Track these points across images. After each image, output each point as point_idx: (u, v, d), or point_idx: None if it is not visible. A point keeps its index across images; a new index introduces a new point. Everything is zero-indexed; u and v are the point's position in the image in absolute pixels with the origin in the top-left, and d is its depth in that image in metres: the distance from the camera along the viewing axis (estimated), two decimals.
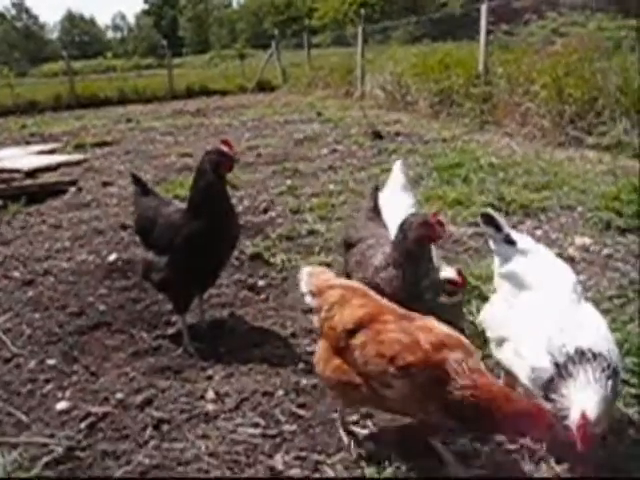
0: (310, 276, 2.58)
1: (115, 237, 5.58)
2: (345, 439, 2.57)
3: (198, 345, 3.46)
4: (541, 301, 2.41)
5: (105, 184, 7.84)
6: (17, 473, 2.44)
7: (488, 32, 11.66)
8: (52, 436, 2.70)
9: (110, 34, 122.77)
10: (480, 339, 2.94)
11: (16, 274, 4.77)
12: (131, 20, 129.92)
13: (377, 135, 10.01)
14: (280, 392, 2.98)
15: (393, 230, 3.09)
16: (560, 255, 3.93)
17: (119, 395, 3.01)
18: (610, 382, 2.10)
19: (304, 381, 3.06)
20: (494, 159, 7.57)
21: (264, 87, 24.34)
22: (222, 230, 3.32)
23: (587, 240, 4.77)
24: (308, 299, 2.53)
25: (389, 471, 2.35)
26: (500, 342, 2.54)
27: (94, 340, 3.65)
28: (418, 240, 2.84)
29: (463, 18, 18.19)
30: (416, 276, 2.85)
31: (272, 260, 4.75)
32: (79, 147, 11.02)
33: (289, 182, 7.27)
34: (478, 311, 3.30)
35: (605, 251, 4.57)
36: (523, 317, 2.43)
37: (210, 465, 2.47)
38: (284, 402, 2.90)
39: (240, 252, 4.84)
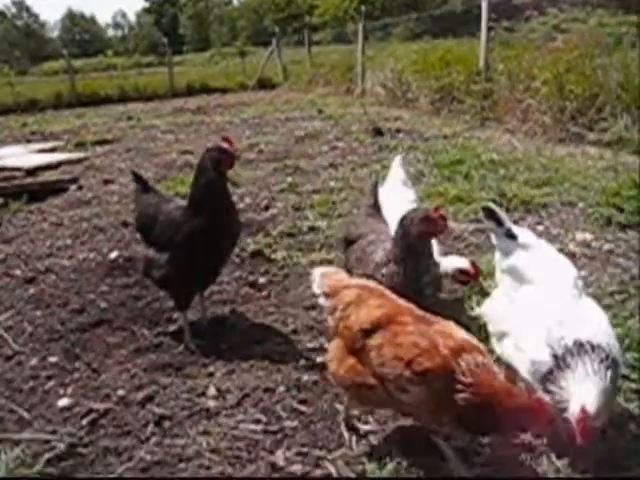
0: (323, 277, 2.55)
1: (116, 235, 5.59)
2: (346, 435, 2.58)
3: (199, 342, 3.47)
4: (542, 295, 2.41)
5: (106, 182, 7.84)
6: (19, 470, 2.45)
7: (489, 29, 11.64)
8: (54, 433, 2.71)
9: (111, 32, 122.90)
10: (481, 334, 2.94)
11: (17, 272, 4.78)
12: (132, 18, 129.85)
13: (378, 132, 10.00)
14: (281, 388, 2.98)
15: (393, 225, 3.08)
16: (561, 251, 3.91)
17: (121, 392, 3.01)
18: (609, 373, 2.10)
19: (305, 377, 3.07)
20: (495, 155, 7.57)
21: (265, 85, 24.33)
22: (223, 227, 3.32)
23: (588, 236, 4.77)
24: (321, 300, 2.50)
25: (390, 467, 2.35)
26: (501, 336, 2.54)
27: (95, 337, 3.66)
28: (420, 235, 2.83)
29: (464, 15, 18.21)
30: (417, 272, 2.85)
31: (273, 257, 4.76)
32: (80, 145, 11.02)
33: (290, 179, 7.27)
34: (479, 305, 3.30)
35: (606, 247, 4.57)
36: (524, 311, 2.43)
37: (211, 461, 2.48)
38: (285, 398, 2.91)
39: (241, 249, 4.84)
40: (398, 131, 10.26)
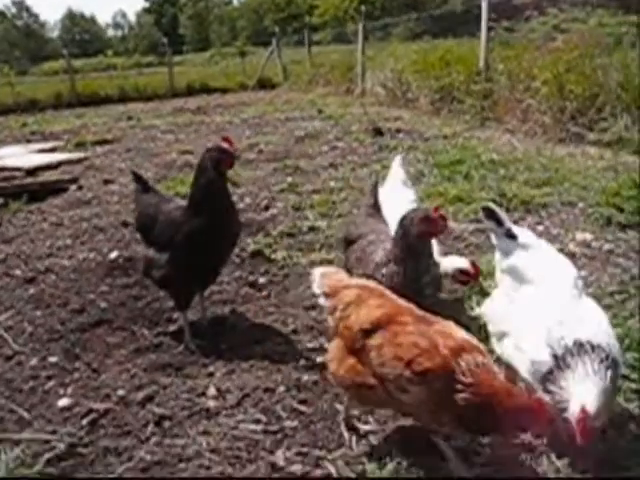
0: (323, 277, 2.54)
1: (116, 235, 5.59)
2: (346, 435, 2.58)
3: (199, 342, 3.47)
4: (542, 295, 2.41)
5: (106, 182, 7.84)
6: (19, 470, 2.45)
7: (489, 29, 11.63)
8: (54, 433, 2.71)
9: (111, 32, 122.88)
10: (481, 334, 2.94)
11: (17, 272, 4.78)
12: (132, 18, 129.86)
13: (378, 132, 10.00)
14: (281, 388, 2.98)
15: (393, 225, 3.08)
16: (561, 251, 3.91)
17: (121, 392, 3.01)
18: (609, 373, 2.10)
19: (305, 377, 3.07)
20: (495, 156, 7.57)
21: (265, 85, 24.33)
22: (223, 227, 3.32)
23: (588, 236, 4.77)
24: (321, 300, 2.50)
25: (390, 467, 2.35)
26: (501, 336, 2.54)
27: (95, 337, 3.66)
28: (420, 235, 2.83)
29: (464, 15, 18.21)
30: (417, 272, 2.85)
31: (273, 257, 4.76)
32: (80, 145, 11.02)
33: (290, 179, 7.27)
34: (479, 305, 3.30)
35: (606, 247, 4.57)
36: (523, 311, 2.43)
37: (211, 461, 2.48)
38: (285, 398, 2.91)
39: (241, 249, 4.84)
40: (398, 131, 10.26)
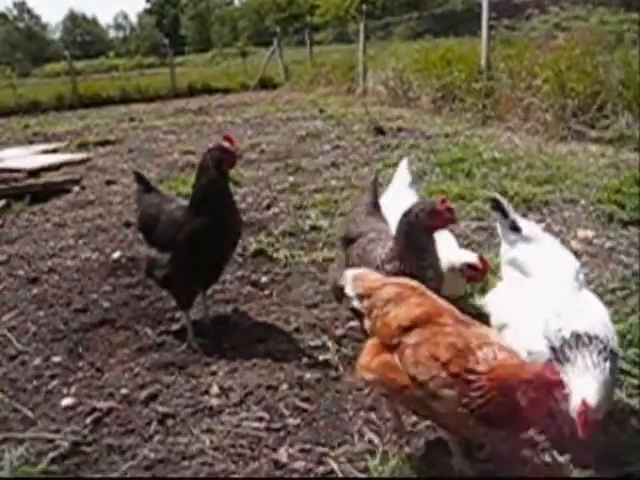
0: (355, 279, 2.51)
1: (119, 235, 5.61)
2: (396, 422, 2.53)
3: (202, 341, 3.48)
4: (541, 287, 2.42)
5: (108, 183, 7.87)
6: (23, 468, 2.46)
7: (490, 27, 11.61)
8: (58, 431, 2.72)
9: (112, 33, 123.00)
10: None
11: (21, 272, 4.80)
12: (133, 19, 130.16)
13: (379, 131, 10.00)
14: (284, 386, 2.99)
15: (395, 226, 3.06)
16: None
17: (124, 390, 3.03)
18: (608, 365, 2.10)
19: (308, 375, 3.08)
20: (497, 154, 7.57)
21: (266, 85, 24.35)
22: (224, 226, 3.33)
23: (590, 233, 4.77)
24: (355, 302, 2.46)
25: (393, 464, 2.35)
26: (501, 328, 2.55)
27: (99, 337, 3.67)
28: (426, 229, 2.79)
29: (465, 13, 18.19)
30: (421, 268, 2.83)
31: (275, 256, 4.77)
32: (82, 146, 11.05)
33: (292, 179, 7.29)
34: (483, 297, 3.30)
35: (608, 244, 4.57)
36: (523, 303, 2.44)
37: (215, 459, 2.49)
38: (288, 396, 2.91)
39: (243, 248, 4.85)
40: (400, 130, 10.26)
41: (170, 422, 2.77)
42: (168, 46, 26.95)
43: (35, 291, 4.40)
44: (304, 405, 2.84)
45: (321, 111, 13.64)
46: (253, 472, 2.41)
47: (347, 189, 6.60)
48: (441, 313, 2.23)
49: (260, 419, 2.75)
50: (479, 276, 3.39)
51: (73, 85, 22.27)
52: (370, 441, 2.54)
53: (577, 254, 4.31)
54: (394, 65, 15.03)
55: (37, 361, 3.39)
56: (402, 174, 4.23)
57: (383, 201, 3.67)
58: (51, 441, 2.65)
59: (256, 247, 4.90)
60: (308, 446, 2.54)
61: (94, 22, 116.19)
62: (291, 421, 2.72)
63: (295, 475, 2.38)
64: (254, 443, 2.58)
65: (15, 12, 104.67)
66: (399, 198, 3.89)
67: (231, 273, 4.47)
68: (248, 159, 8.60)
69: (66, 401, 2.97)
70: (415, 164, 7.19)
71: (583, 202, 5.57)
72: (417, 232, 2.80)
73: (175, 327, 3.72)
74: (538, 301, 2.38)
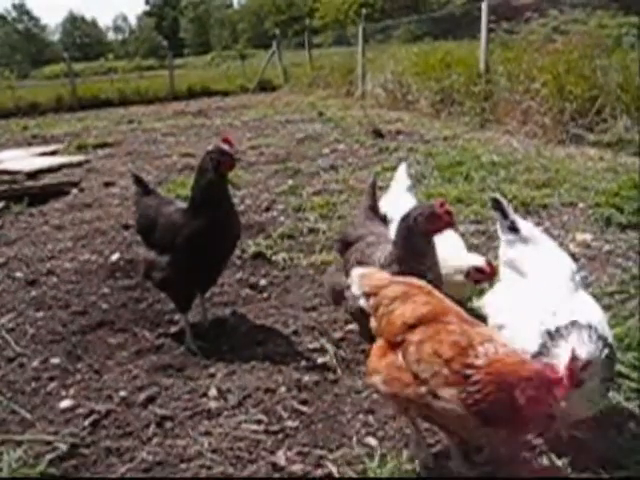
0: (362, 278, 2.50)
1: (117, 237, 5.60)
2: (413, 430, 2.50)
3: (200, 343, 3.48)
4: (537, 288, 2.42)
5: (107, 185, 7.87)
6: (22, 470, 2.46)
7: (489, 30, 11.63)
8: (56, 434, 2.72)
9: (111, 35, 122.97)
10: None
11: (19, 274, 4.79)
12: (132, 21, 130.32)
13: (378, 134, 10.02)
14: (282, 389, 2.99)
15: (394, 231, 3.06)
16: None
17: (122, 393, 3.03)
18: (601, 344, 2.10)
19: (306, 378, 3.08)
20: (495, 157, 7.58)
21: (265, 87, 24.34)
22: (223, 229, 3.33)
23: (588, 236, 4.78)
24: (362, 301, 2.46)
25: (390, 466, 2.36)
26: (498, 329, 2.55)
27: (97, 339, 3.67)
28: (425, 232, 2.80)
29: (464, 16, 18.22)
30: (420, 272, 2.83)
31: (274, 259, 4.77)
32: (81, 148, 11.04)
33: (291, 181, 7.29)
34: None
35: (606, 247, 4.58)
36: (519, 304, 2.44)
37: (213, 461, 2.49)
38: (286, 399, 2.92)
39: (242, 251, 4.85)
40: (398, 133, 10.28)
41: (168, 424, 2.77)
42: (167, 48, 27.00)
43: (33, 293, 4.40)
44: (302, 408, 2.84)
45: (320, 114, 13.65)
46: (251, 475, 2.41)
47: (346, 192, 6.61)
48: (447, 312, 2.23)
49: (258, 422, 2.75)
50: (486, 279, 3.37)
51: (72, 87, 22.23)
52: (368, 444, 2.54)
53: (575, 257, 4.33)
54: (393, 68, 15.05)
55: (35, 363, 3.39)
56: (401, 178, 4.23)
57: (382, 205, 3.67)
58: (49, 443, 2.65)
59: (255, 250, 4.90)
60: (306, 449, 2.54)
61: (93, 24, 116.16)
62: (289, 424, 2.72)
63: (293, 478, 2.38)
64: (252, 446, 2.58)
65: (14, 14, 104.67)
66: (397, 202, 3.89)
67: (229, 276, 4.47)
68: (247, 162, 8.61)
69: (64, 403, 2.97)
70: (414, 167, 7.20)
71: (581, 205, 5.58)
72: (416, 236, 2.81)
73: (173, 329, 3.72)
74: (533, 302, 2.38)
